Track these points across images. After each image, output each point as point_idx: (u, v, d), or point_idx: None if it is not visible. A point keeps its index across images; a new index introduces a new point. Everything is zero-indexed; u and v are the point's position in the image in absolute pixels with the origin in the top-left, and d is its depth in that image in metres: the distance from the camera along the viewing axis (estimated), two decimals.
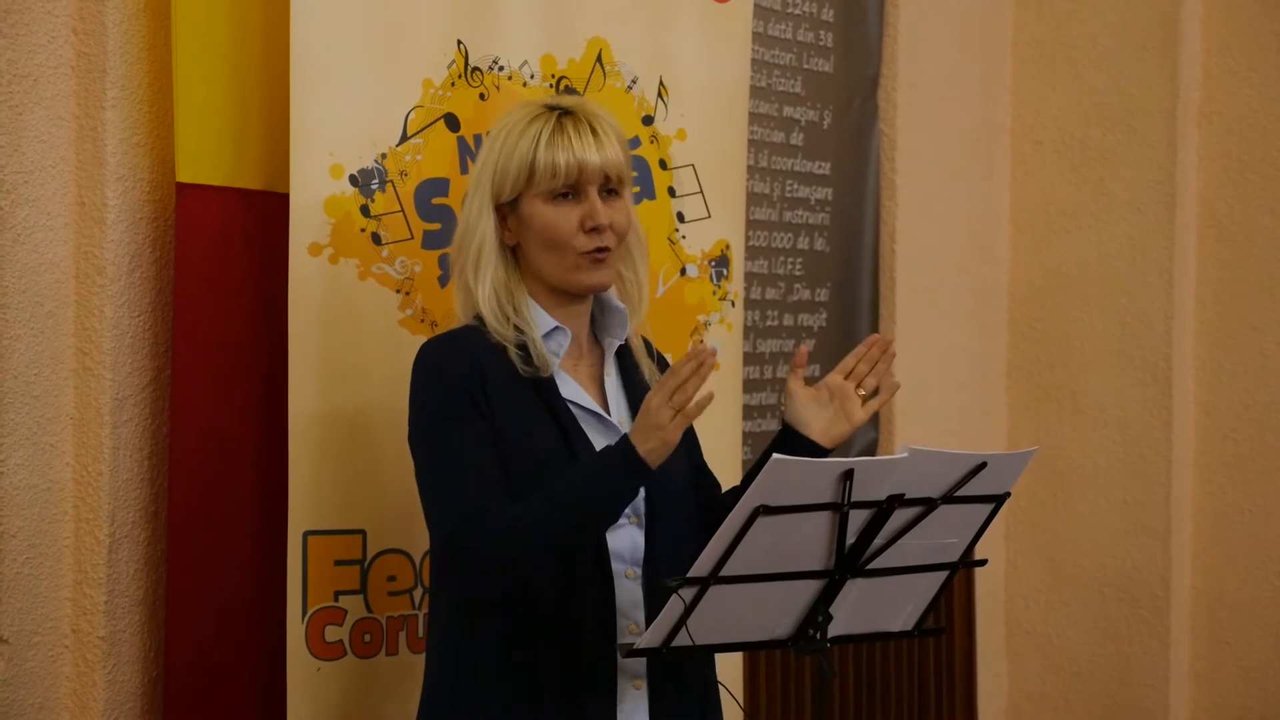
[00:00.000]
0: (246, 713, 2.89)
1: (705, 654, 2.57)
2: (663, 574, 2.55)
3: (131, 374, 2.86)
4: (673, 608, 2.45)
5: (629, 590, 2.57)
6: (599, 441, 2.56)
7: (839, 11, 4.39)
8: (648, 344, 2.75)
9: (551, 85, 3.10)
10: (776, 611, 2.54)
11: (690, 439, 2.75)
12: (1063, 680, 4.86)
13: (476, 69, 3.03)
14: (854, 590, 2.55)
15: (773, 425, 4.20)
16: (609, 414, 2.62)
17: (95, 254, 2.83)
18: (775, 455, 2.37)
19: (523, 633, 2.51)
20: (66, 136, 2.82)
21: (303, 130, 2.82)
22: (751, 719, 3.92)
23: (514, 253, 2.62)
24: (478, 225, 2.60)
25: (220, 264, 2.87)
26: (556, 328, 2.59)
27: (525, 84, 3.07)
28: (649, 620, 2.55)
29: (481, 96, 3.02)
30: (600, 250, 2.57)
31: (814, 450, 2.68)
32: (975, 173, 4.83)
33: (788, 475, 2.39)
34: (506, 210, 2.60)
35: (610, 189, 2.60)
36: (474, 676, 2.53)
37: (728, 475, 3.37)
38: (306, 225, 2.83)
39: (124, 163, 2.84)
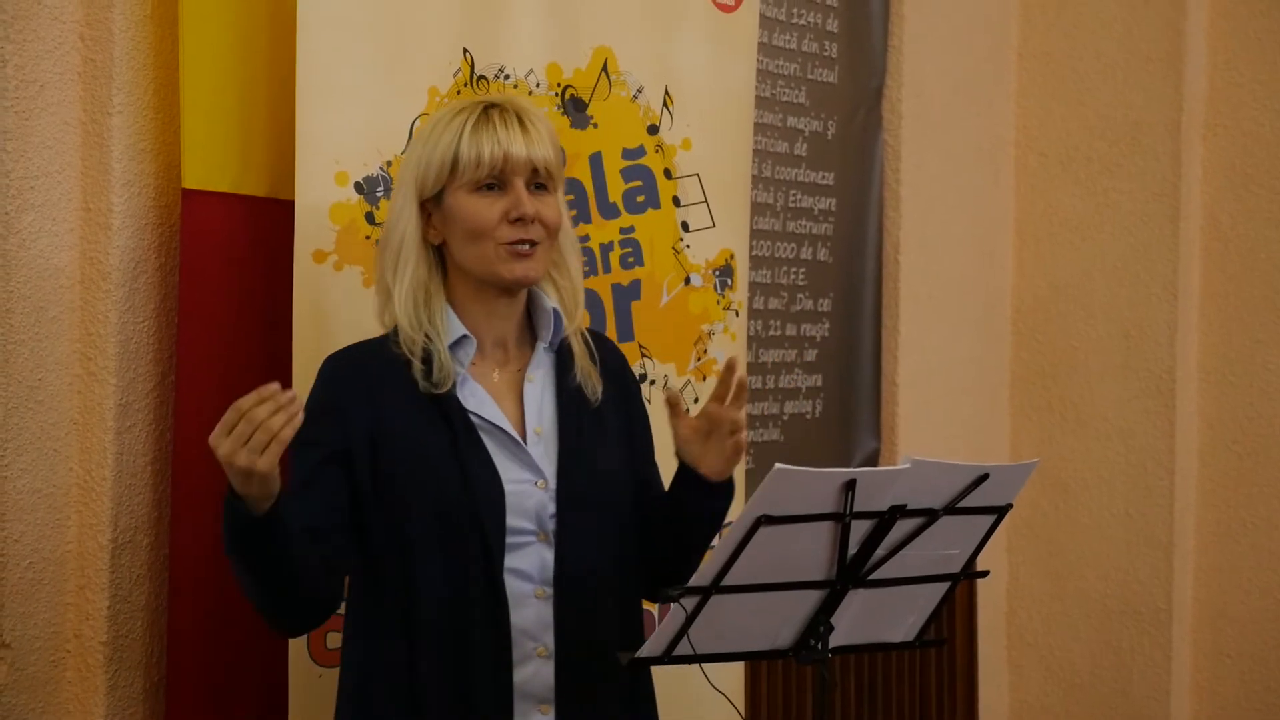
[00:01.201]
0: (248, 719, 2.89)
1: (700, 662, 2.56)
2: (577, 592, 2.49)
3: (135, 379, 2.86)
4: (674, 617, 2.45)
5: (538, 611, 2.49)
6: (497, 452, 2.49)
7: (844, 22, 4.39)
8: (599, 341, 2.65)
9: (557, 94, 3.11)
10: (778, 621, 2.54)
11: (637, 448, 2.67)
12: (1064, 692, 4.86)
13: (482, 77, 3.03)
14: (856, 601, 2.55)
15: (775, 435, 4.21)
16: (522, 422, 2.53)
17: (100, 259, 2.83)
18: (778, 465, 2.36)
19: (410, 658, 2.45)
20: (73, 142, 2.83)
21: (308, 137, 2.82)
22: None
23: (439, 253, 2.55)
24: (399, 223, 2.53)
25: (225, 270, 2.87)
26: (464, 336, 2.51)
27: (531, 92, 3.07)
28: (560, 642, 2.48)
29: None
30: (524, 242, 2.49)
31: (705, 487, 2.56)
32: (980, 184, 4.83)
33: (790, 485, 2.39)
34: (431, 206, 2.53)
35: (539, 184, 2.52)
36: (367, 702, 2.48)
37: None
38: (311, 232, 2.83)
39: (130, 169, 2.85)
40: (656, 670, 2.58)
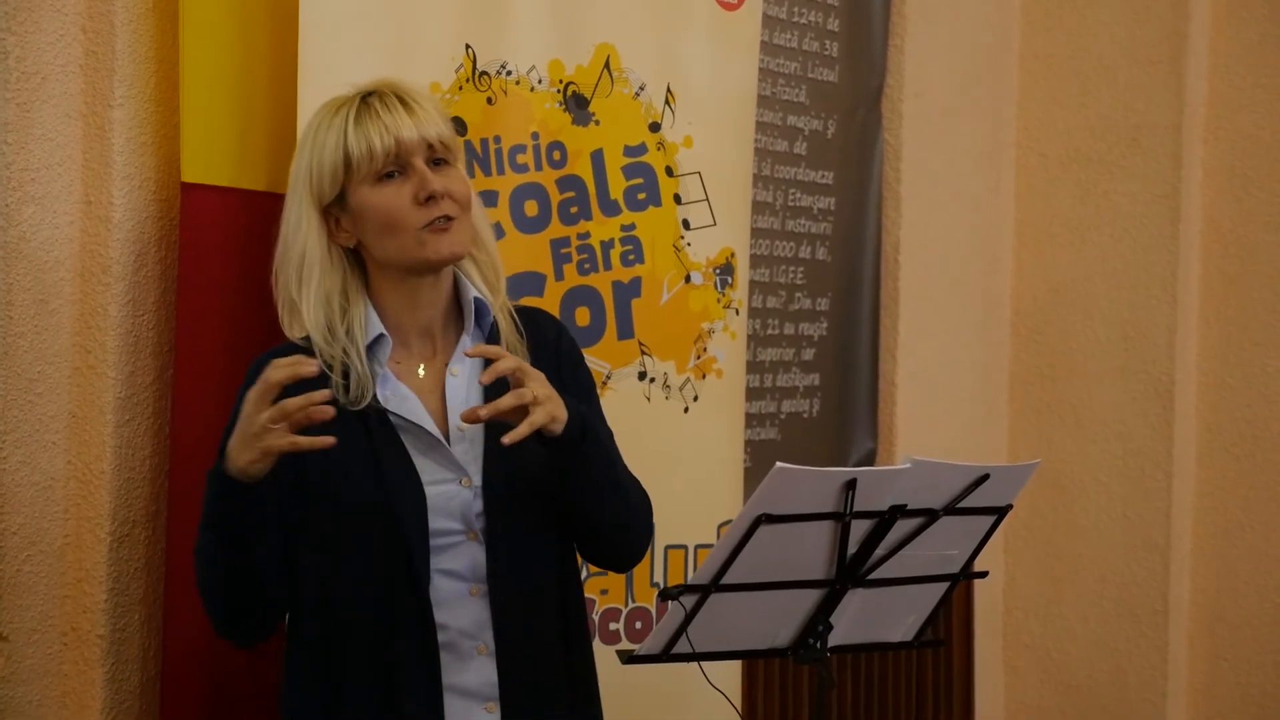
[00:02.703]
0: (244, 712, 2.89)
1: (702, 660, 2.55)
2: (513, 587, 2.44)
3: (134, 373, 2.86)
4: (672, 615, 2.45)
5: (475, 609, 2.44)
6: (417, 452, 2.42)
7: (844, 21, 4.39)
8: (530, 317, 2.57)
9: (559, 90, 3.11)
10: (777, 620, 2.54)
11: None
12: (1060, 694, 4.86)
13: (484, 73, 3.03)
14: (855, 600, 2.55)
15: (772, 434, 4.20)
16: (442, 419, 2.46)
17: (100, 252, 2.83)
18: (779, 464, 2.37)
19: (335, 669, 2.42)
20: (73, 135, 2.82)
21: None
22: None
23: (356, 255, 2.48)
24: (298, 235, 2.45)
25: (224, 264, 2.87)
26: (380, 335, 2.45)
27: (533, 89, 3.07)
28: (500, 639, 2.43)
29: (489, 101, 3.02)
30: (441, 220, 2.42)
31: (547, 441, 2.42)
32: (980, 185, 4.83)
33: (790, 484, 2.39)
34: (336, 211, 2.46)
35: (438, 159, 2.45)
36: (301, 705, 2.45)
37: (729, 484, 3.37)
38: None
39: (130, 162, 2.84)
40: (653, 668, 2.57)
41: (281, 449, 2.27)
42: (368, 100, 2.45)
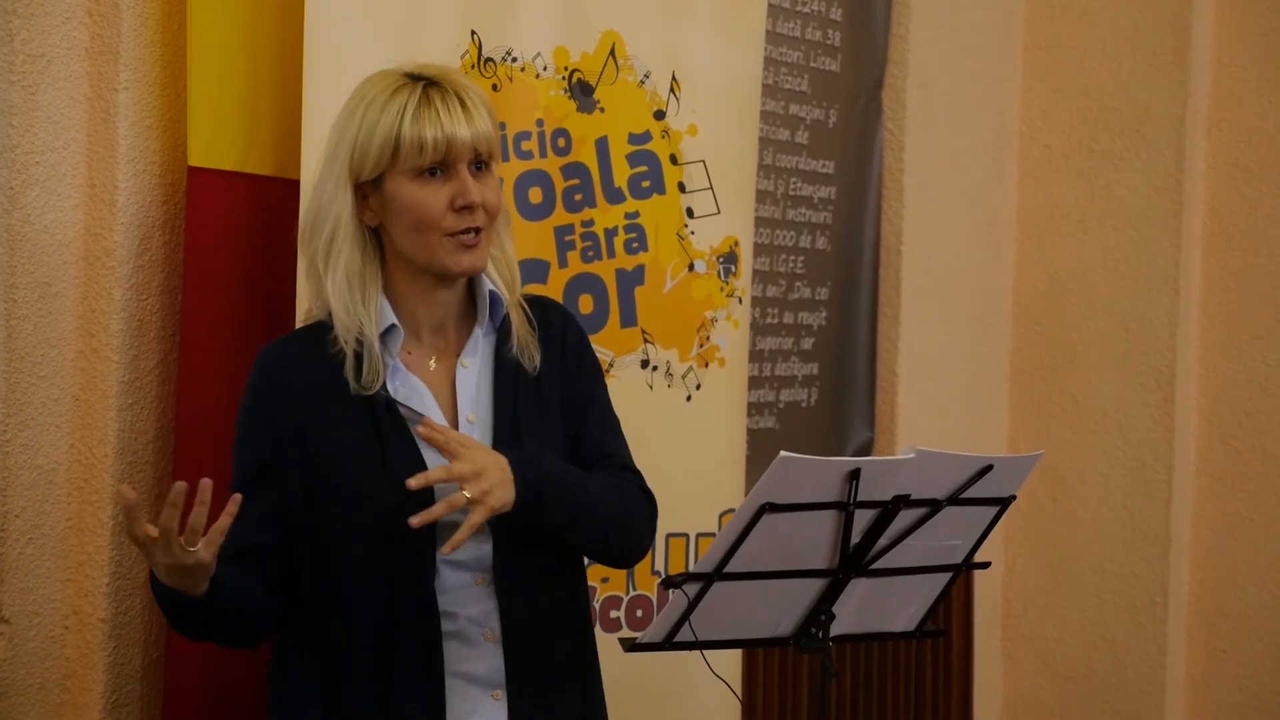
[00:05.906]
0: (247, 697, 2.89)
1: (706, 649, 2.55)
2: (518, 577, 2.44)
3: (139, 356, 2.85)
4: (676, 603, 2.46)
5: (481, 598, 2.43)
6: (424, 446, 2.40)
7: (847, 11, 4.39)
8: (540, 308, 2.57)
9: (564, 77, 3.10)
10: (779, 609, 2.54)
11: (573, 406, 2.56)
12: (1059, 685, 4.86)
13: (490, 60, 3.02)
14: (857, 590, 2.55)
15: (771, 423, 4.20)
16: (452, 411, 2.46)
17: (105, 236, 2.82)
18: (783, 453, 2.37)
19: (336, 671, 2.42)
20: (78, 118, 2.82)
21: (314, 116, 2.81)
22: (749, 716, 3.91)
23: (375, 235, 2.47)
24: (332, 206, 2.44)
25: (230, 249, 2.87)
26: (392, 326, 2.45)
27: (538, 76, 3.07)
28: (506, 626, 2.43)
29: (494, 87, 3.02)
30: (470, 231, 2.43)
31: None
32: (983, 175, 4.83)
33: (794, 473, 2.39)
34: (368, 189, 2.44)
35: (480, 163, 2.45)
36: (297, 695, 2.45)
37: (731, 473, 3.37)
38: None
39: (135, 145, 2.84)
40: (653, 655, 2.58)
41: (209, 559, 2.28)
42: (428, 91, 2.43)
